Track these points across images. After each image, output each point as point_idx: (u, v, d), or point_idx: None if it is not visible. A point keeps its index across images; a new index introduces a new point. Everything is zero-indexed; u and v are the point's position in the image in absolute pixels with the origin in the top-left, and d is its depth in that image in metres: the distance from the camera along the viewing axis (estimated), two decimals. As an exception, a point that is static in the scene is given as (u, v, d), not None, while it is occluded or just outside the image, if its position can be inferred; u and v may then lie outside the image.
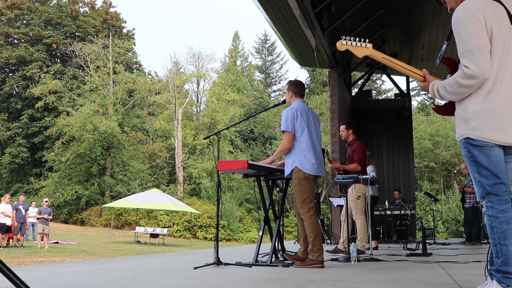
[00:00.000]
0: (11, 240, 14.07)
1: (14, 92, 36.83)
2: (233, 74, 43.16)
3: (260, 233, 4.61)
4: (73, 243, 17.30)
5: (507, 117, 2.15)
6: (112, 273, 3.83)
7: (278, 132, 36.92)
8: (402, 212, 10.71)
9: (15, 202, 14.70)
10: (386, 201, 11.12)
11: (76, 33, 37.61)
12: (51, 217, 14.30)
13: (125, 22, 40.63)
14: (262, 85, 47.93)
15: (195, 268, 3.99)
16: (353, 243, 4.87)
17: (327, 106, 31.27)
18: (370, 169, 7.35)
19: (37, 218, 14.38)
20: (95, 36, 35.29)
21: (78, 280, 3.29)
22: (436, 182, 36.02)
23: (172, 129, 35.20)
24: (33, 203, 16.94)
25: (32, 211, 15.90)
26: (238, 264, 4.31)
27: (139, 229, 21.13)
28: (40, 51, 35.49)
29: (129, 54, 39.62)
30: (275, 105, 5.25)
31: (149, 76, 41.08)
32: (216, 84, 38.46)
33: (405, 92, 14.40)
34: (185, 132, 34.97)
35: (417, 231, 12.59)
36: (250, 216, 31.49)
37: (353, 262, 4.66)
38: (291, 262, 4.32)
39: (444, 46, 2.48)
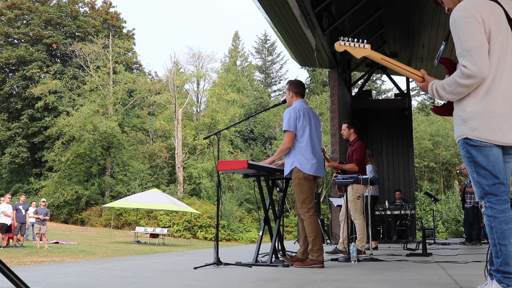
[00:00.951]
0: (11, 240, 14.08)
1: (14, 92, 36.84)
2: (233, 74, 43.16)
3: (260, 233, 4.61)
4: (73, 243, 17.30)
5: (505, 117, 2.15)
6: (112, 273, 3.83)
7: (278, 132, 36.93)
8: (402, 212, 10.71)
9: (15, 202, 14.70)
10: (386, 201, 11.12)
11: (76, 33, 37.62)
12: (47, 217, 14.27)
13: (125, 22, 40.65)
14: (262, 85, 47.93)
15: (195, 268, 3.99)
16: (353, 243, 4.87)
17: (327, 106, 31.27)
18: (369, 169, 7.34)
19: (34, 217, 14.38)
20: (95, 36, 35.30)
21: (78, 280, 3.29)
22: (436, 182, 36.02)
23: (172, 129, 35.20)
24: (33, 203, 16.94)
25: (32, 211, 15.91)
26: (238, 264, 4.31)
27: (139, 229, 21.14)
28: (40, 51, 35.50)
29: (129, 54, 39.63)
30: (275, 105, 5.25)
31: (149, 76, 41.11)
32: (216, 84, 38.46)
33: (405, 92, 14.41)
34: (185, 132, 34.97)
35: (417, 231, 12.59)
36: (250, 216, 31.49)
37: (353, 262, 4.67)
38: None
39: (442, 47, 2.49)
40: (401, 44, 12.56)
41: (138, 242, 19.38)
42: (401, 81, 28.56)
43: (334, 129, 10.63)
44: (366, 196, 7.36)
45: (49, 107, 34.11)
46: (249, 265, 4.25)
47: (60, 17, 36.89)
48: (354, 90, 16.34)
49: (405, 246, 7.73)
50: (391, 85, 35.11)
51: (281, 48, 49.91)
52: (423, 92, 39.90)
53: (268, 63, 49.11)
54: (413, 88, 36.30)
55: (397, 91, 14.54)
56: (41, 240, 13.89)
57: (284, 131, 4.25)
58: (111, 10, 39.78)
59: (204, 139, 8.77)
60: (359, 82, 15.90)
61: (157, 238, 20.16)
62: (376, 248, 7.33)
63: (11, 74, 37.40)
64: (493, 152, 2.18)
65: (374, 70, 14.72)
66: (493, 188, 2.18)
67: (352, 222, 6.13)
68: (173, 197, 24.16)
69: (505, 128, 2.15)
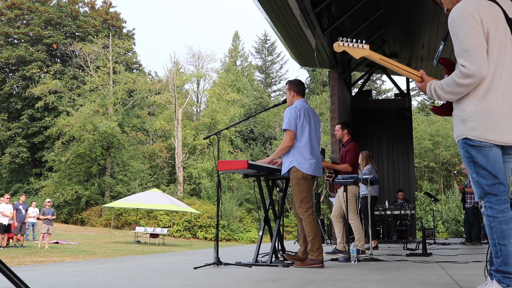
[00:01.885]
0: (11, 240, 14.08)
1: (14, 92, 36.84)
2: (233, 74, 43.17)
3: (260, 233, 4.62)
4: (73, 243, 17.30)
5: (505, 117, 2.15)
6: (112, 273, 3.83)
7: (278, 132, 36.93)
8: (402, 212, 10.71)
9: (15, 202, 14.70)
10: (386, 201, 11.12)
11: (76, 33, 37.62)
12: (54, 217, 14.33)
13: (125, 22, 40.66)
14: (262, 85, 47.94)
15: (195, 268, 3.99)
16: (352, 243, 4.88)
17: (327, 106, 31.27)
18: (367, 169, 7.33)
19: (41, 219, 14.36)
20: (95, 36, 35.30)
21: (78, 280, 3.30)
22: (436, 182, 36.02)
23: (172, 129, 35.20)
24: (33, 203, 16.95)
25: (32, 211, 15.91)
26: (238, 264, 4.32)
27: (139, 229, 21.14)
28: (40, 51, 35.50)
29: (129, 54, 39.63)
30: (275, 105, 5.25)
31: (149, 76, 41.11)
32: (216, 84, 38.47)
33: (405, 92, 14.41)
34: (185, 132, 34.97)
35: (417, 231, 12.59)
36: (250, 216, 31.49)
37: (353, 262, 4.67)
38: (291, 262, 4.32)
39: (441, 47, 2.49)
40: (401, 44, 12.56)
41: (138, 242, 19.38)
42: (401, 81, 28.61)
43: (334, 129, 10.61)
44: (364, 196, 7.37)
45: (49, 107, 34.11)
46: (249, 265, 4.25)
47: (60, 17, 36.89)
48: (354, 90, 16.34)
49: (405, 246, 7.74)
50: (391, 85, 35.15)
51: (281, 48, 49.99)
52: (422, 92, 39.83)
53: (268, 63, 49.13)
54: (413, 88, 36.28)
55: (397, 91, 14.54)
56: (44, 240, 13.90)
57: (285, 130, 4.25)
58: (111, 10, 39.80)
59: (204, 139, 8.79)
60: (359, 82, 15.90)
61: (157, 238, 20.16)
62: (376, 247, 7.33)
63: (11, 74, 37.40)
64: (492, 152, 2.18)
65: (374, 70, 14.72)
66: (493, 188, 2.18)
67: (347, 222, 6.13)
68: (173, 197, 24.16)
69: (504, 128, 2.15)
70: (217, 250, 4.19)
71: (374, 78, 40.16)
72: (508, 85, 2.18)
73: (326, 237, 10.53)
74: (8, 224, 13.54)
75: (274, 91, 48.30)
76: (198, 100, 40.71)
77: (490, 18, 2.18)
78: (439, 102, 2.51)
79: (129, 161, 33.58)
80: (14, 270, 1.53)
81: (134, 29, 52.55)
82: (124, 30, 40.33)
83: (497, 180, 2.18)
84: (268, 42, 48.69)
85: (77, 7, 38.42)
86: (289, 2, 7.89)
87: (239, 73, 45.89)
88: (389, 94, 39.71)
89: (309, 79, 41.96)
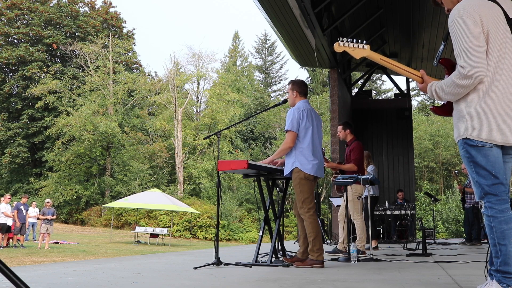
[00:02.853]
0: (11, 240, 14.08)
1: (14, 92, 36.83)
2: (233, 74, 43.17)
3: (260, 233, 4.62)
4: (73, 243, 17.30)
5: (504, 117, 2.16)
6: (112, 273, 3.83)
7: (278, 132, 36.93)
8: (402, 212, 10.71)
9: (16, 202, 14.70)
10: (386, 201, 11.12)
11: (76, 33, 37.62)
12: (55, 217, 14.33)
13: (125, 22, 40.66)
14: (262, 85, 47.94)
15: (195, 268, 3.99)
16: (353, 243, 4.88)
17: (327, 106, 31.27)
18: (370, 169, 7.35)
19: (41, 219, 14.36)
20: (95, 36, 35.30)
21: (78, 280, 3.30)
22: (436, 182, 36.02)
23: (172, 129, 35.20)
24: (34, 203, 16.96)
25: (32, 211, 15.91)
26: (238, 264, 4.32)
27: (139, 229, 21.13)
28: (40, 51, 35.50)
29: (129, 54, 39.63)
30: (275, 105, 5.24)
31: (149, 76, 41.11)
32: (216, 84, 38.47)
33: (405, 92, 14.41)
34: (185, 132, 34.97)
35: (417, 231, 12.59)
36: (250, 216, 31.49)
37: (353, 262, 4.67)
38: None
39: (442, 47, 2.49)
40: (401, 44, 12.57)
41: (138, 242, 19.38)
42: (401, 81, 28.61)
43: (334, 129, 10.62)
44: (366, 197, 7.37)
45: (49, 107, 34.11)
46: (249, 265, 4.25)
47: (60, 17, 36.88)
48: (354, 90, 16.34)
49: (405, 246, 7.74)
50: (391, 85, 35.16)
51: (281, 48, 49.99)
52: (423, 92, 39.89)
53: (268, 63, 49.13)
54: (413, 88, 36.30)
55: (397, 91, 14.54)
56: (43, 240, 13.90)
57: (287, 130, 4.25)
58: (111, 10, 39.80)
59: (204, 139, 8.79)
60: (359, 82, 15.90)
61: (157, 238, 20.16)
62: (376, 247, 7.33)
63: (11, 74, 37.39)
64: (492, 152, 2.18)
65: (374, 70, 14.73)
66: (493, 188, 2.18)
67: (351, 222, 6.14)
68: (173, 197, 24.16)
69: (504, 128, 2.15)
70: (217, 250, 4.19)
71: (374, 78, 40.18)
72: (508, 85, 2.18)
73: (326, 237, 10.54)
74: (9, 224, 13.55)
75: (274, 91, 48.35)
76: (198, 100, 40.74)
77: (490, 18, 2.18)
78: (439, 102, 2.52)
79: (129, 161, 33.58)
80: (14, 270, 1.54)
81: (134, 29, 52.67)
82: (124, 30, 40.34)
83: (497, 180, 2.18)
84: (268, 42, 48.72)
85: (77, 7, 38.41)
86: (289, 2, 7.89)
87: (239, 73, 45.89)
88: (389, 94, 39.71)
89: (309, 79, 41.96)
